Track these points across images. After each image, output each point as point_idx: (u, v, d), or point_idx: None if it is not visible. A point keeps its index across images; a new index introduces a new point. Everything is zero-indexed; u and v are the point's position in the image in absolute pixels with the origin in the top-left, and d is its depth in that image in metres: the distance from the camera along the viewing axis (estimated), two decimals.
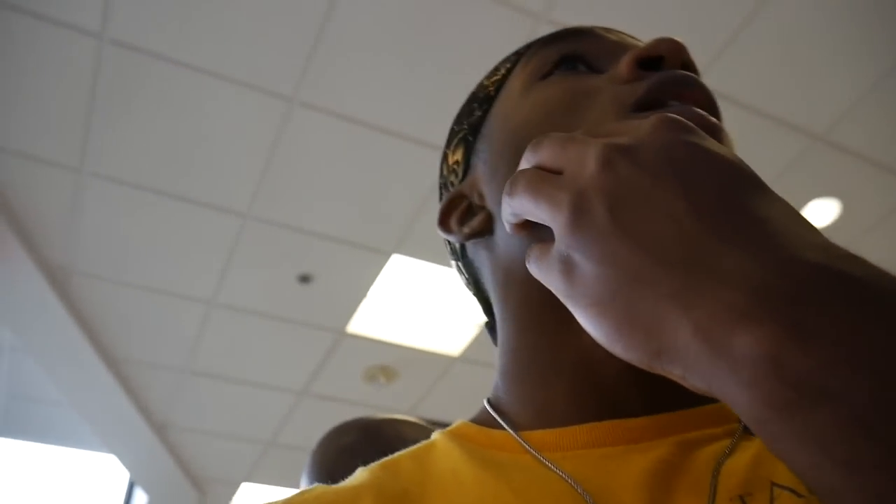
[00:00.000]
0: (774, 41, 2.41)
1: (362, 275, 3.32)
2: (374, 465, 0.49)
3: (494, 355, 0.54)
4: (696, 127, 0.35)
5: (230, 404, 4.15)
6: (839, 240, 0.29)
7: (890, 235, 3.16)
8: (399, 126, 2.62)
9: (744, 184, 0.32)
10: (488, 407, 0.51)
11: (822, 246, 0.28)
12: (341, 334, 3.68)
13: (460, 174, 0.57)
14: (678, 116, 0.35)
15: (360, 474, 0.48)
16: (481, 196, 0.53)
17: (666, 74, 0.46)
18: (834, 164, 2.84)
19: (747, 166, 0.33)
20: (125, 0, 2.17)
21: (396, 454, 0.50)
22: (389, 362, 3.92)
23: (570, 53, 0.52)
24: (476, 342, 3.75)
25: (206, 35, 2.28)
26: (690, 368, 0.28)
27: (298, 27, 2.27)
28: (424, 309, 3.57)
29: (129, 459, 4.43)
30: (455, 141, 0.58)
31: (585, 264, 0.32)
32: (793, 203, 0.33)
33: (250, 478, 4.84)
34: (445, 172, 0.60)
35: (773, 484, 0.38)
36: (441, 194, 0.61)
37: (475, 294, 0.59)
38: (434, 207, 2.92)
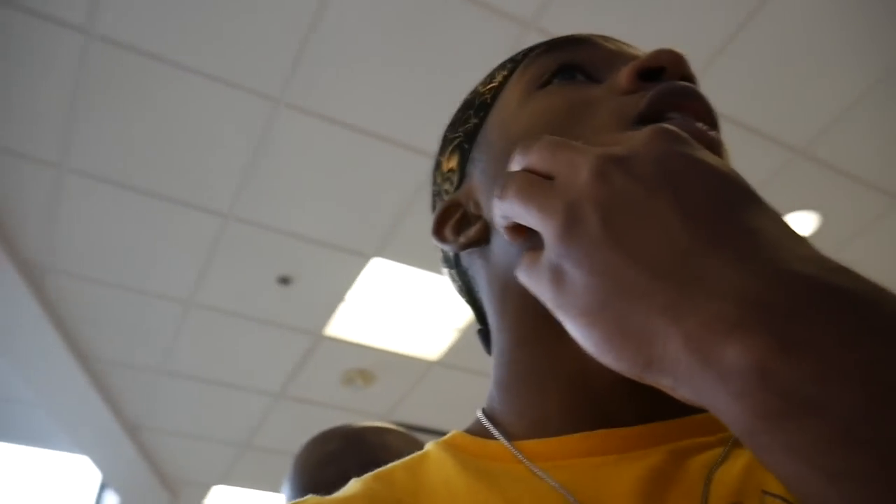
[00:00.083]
0: (758, 56, 2.44)
1: (342, 277, 3.31)
2: (367, 476, 0.48)
3: (486, 363, 0.54)
4: (690, 139, 0.35)
5: (205, 406, 4.11)
6: None
7: (867, 249, 3.20)
8: (384, 130, 2.61)
9: (737, 196, 0.32)
10: (482, 417, 0.51)
11: (814, 258, 0.28)
12: (319, 337, 3.66)
13: (455, 182, 0.56)
14: (673, 128, 0.35)
15: (353, 485, 0.48)
16: (478, 205, 0.53)
17: (666, 86, 0.46)
18: (814, 178, 2.88)
19: (742, 178, 0.33)
20: None
21: (390, 465, 0.50)
22: (367, 366, 3.91)
23: (569, 62, 0.52)
24: (454, 347, 3.75)
25: (193, 33, 2.26)
26: (680, 379, 0.28)
27: (287, 28, 2.26)
28: (403, 313, 3.56)
29: (101, 460, 4.37)
30: (450, 148, 0.58)
31: (576, 274, 0.32)
32: None
33: (224, 480, 4.80)
34: (439, 180, 0.59)
35: (765, 492, 0.39)
36: (434, 202, 0.60)
37: (468, 302, 0.59)
38: (416, 211, 2.92)
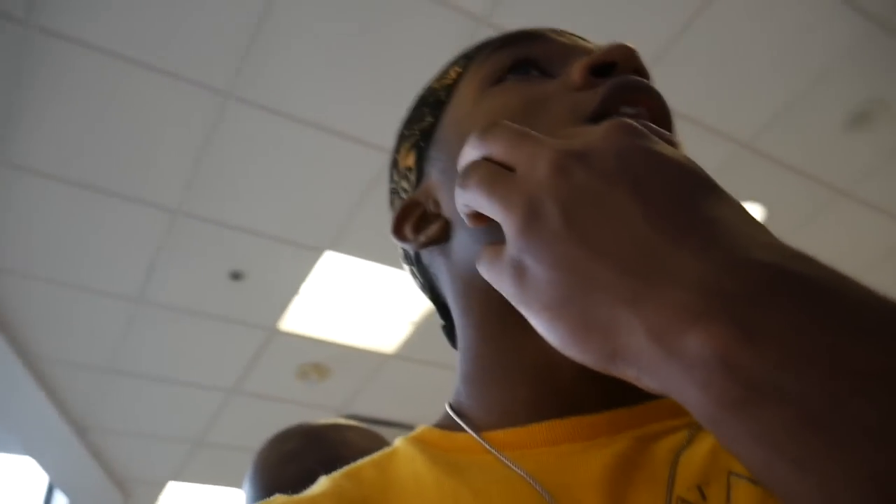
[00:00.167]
0: (704, 53, 2.49)
1: (295, 272, 3.28)
2: (336, 473, 0.49)
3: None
4: (648, 132, 0.35)
5: (156, 404, 4.05)
6: None
7: (811, 241, 3.29)
8: (334, 123, 2.59)
9: (696, 186, 0.32)
10: (450, 411, 0.51)
11: (774, 245, 0.29)
12: (273, 332, 3.63)
13: (413, 181, 0.56)
14: (632, 121, 0.35)
15: (322, 483, 0.48)
16: (437, 204, 0.53)
17: (619, 81, 0.46)
18: (758, 171, 2.95)
19: (700, 169, 0.33)
20: None
21: (359, 462, 0.50)
22: (322, 360, 3.89)
23: (523, 58, 0.52)
24: (409, 340, 3.75)
25: (139, 24, 2.20)
26: (644, 370, 0.28)
27: (236, 20, 2.22)
28: (358, 306, 3.55)
29: (48, 462, 4.27)
30: (406, 146, 0.58)
31: (538, 269, 0.32)
32: None
33: (178, 477, 4.73)
34: (396, 178, 0.59)
35: (731, 473, 0.39)
36: (392, 200, 0.60)
37: (431, 299, 0.59)
38: (368, 205, 2.91)
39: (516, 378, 0.48)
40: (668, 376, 0.27)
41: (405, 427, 4.38)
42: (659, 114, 0.46)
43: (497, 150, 0.37)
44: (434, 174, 0.54)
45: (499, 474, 0.43)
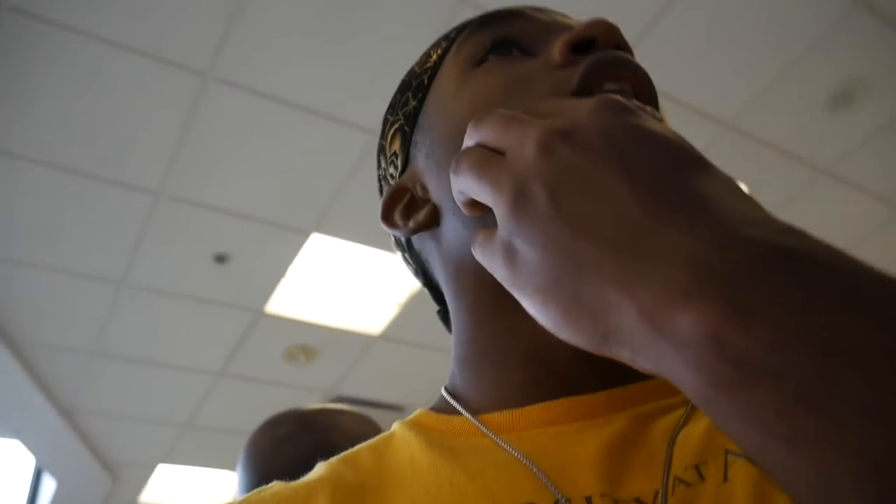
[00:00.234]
0: (687, 32, 2.49)
1: (281, 254, 3.27)
2: (333, 459, 0.49)
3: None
4: (636, 108, 0.34)
5: (143, 387, 4.04)
6: None
7: (793, 220, 3.27)
8: (317, 104, 2.58)
9: (685, 162, 0.31)
10: (446, 394, 0.51)
11: (765, 220, 0.28)
12: (259, 314, 3.63)
13: (399, 166, 0.56)
14: (618, 97, 0.35)
15: (319, 468, 0.48)
16: (425, 189, 0.53)
17: (598, 57, 0.45)
18: (741, 151, 2.96)
19: (688, 144, 0.33)
20: None
21: (357, 447, 0.50)
22: (309, 342, 3.89)
23: (503, 37, 0.52)
24: (396, 321, 3.76)
25: (116, 5, 2.17)
26: (638, 351, 0.28)
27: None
28: (345, 288, 3.55)
29: (34, 445, 4.26)
30: (391, 132, 0.57)
31: (528, 251, 0.32)
32: None
33: (166, 460, 4.73)
34: (384, 164, 0.58)
35: (728, 451, 0.39)
36: (381, 185, 0.60)
37: (425, 284, 0.58)
38: (353, 187, 2.90)
39: (511, 360, 0.48)
40: (659, 357, 0.27)
41: (393, 408, 4.41)
42: (642, 89, 0.45)
43: (488, 135, 0.37)
44: (420, 159, 0.53)
45: (495, 457, 0.43)
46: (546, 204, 0.32)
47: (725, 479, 0.38)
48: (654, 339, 0.27)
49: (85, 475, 4.53)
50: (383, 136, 0.59)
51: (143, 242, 3.09)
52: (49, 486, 4.60)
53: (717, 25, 2.48)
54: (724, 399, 0.25)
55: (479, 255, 0.37)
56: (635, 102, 0.42)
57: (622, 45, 0.48)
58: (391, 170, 0.57)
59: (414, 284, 3.47)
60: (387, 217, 0.54)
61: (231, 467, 4.83)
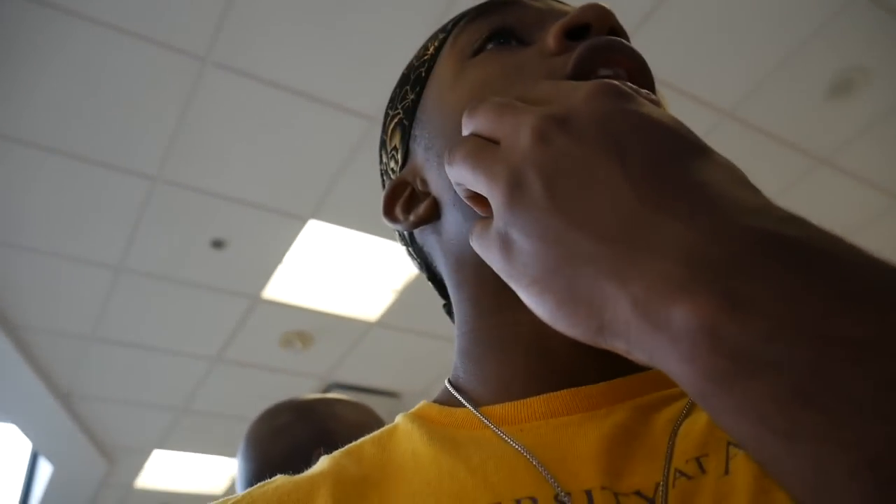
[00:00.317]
0: (687, 19, 2.47)
1: (278, 240, 3.27)
2: (337, 452, 0.49)
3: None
4: (633, 93, 0.34)
5: (139, 372, 4.04)
6: None
7: (791, 209, 3.32)
8: (316, 89, 2.57)
9: (683, 149, 0.31)
10: (449, 386, 0.51)
11: (764, 208, 0.27)
12: (256, 300, 3.63)
13: (400, 160, 0.55)
14: (615, 82, 0.34)
15: (323, 462, 0.48)
16: (424, 182, 0.52)
17: (592, 42, 0.45)
18: (740, 139, 2.95)
19: (687, 130, 0.32)
20: None
21: (361, 439, 0.50)
22: (306, 328, 3.90)
23: (499, 27, 0.51)
24: (393, 307, 3.76)
25: None
26: (633, 343, 0.28)
27: None
28: (342, 274, 3.55)
29: (31, 429, 4.27)
30: (391, 126, 0.57)
31: (523, 242, 0.32)
32: None
33: (163, 445, 4.75)
34: (385, 158, 0.58)
35: (730, 444, 0.39)
36: (383, 180, 0.59)
37: (429, 278, 0.58)
38: (351, 173, 2.90)
39: (512, 351, 0.48)
40: (655, 349, 0.27)
41: (388, 394, 4.42)
42: (638, 74, 0.44)
43: (481, 124, 0.36)
44: (419, 152, 0.53)
45: (496, 450, 0.43)
46: (541, 194, 0.31)
47: (727, 471, 0.38)
48: (649, 332, 0.27)
49: (81, 460, 4.55)
50: (384, 130, 0.59)
51: (141, 227, 3.08)
52: (45, 470, 4.62)
53: (716, 13, 2.47)
54: (719, 392, 0.24)
55: (477, 246, 0.37)
56: (632, 86, 0.41)
57: (617, 30, 0.47)
58: (392, 164, 0.57)
59: (410, 271, 3.47)
60: (388, 212, 0.54)
61: (226, 453, 4.85)
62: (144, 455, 4.84)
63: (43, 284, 3.34)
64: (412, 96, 0.55)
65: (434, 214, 0.51)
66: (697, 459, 0.39)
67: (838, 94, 2.84)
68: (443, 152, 0.49)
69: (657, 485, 0.39)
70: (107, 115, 2.56)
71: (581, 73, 0.44)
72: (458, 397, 0.49)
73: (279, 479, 0.47)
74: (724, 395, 0.24)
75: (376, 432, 0.50)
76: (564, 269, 0.30)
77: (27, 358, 3.73)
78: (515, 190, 0.32)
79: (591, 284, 0.29)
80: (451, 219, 0.50)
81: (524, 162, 0.32)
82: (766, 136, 2.97)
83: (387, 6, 2.30)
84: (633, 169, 0.30)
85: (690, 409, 0.42)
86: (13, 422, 4.20)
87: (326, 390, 4.36)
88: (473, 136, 0.37)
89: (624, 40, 0.46)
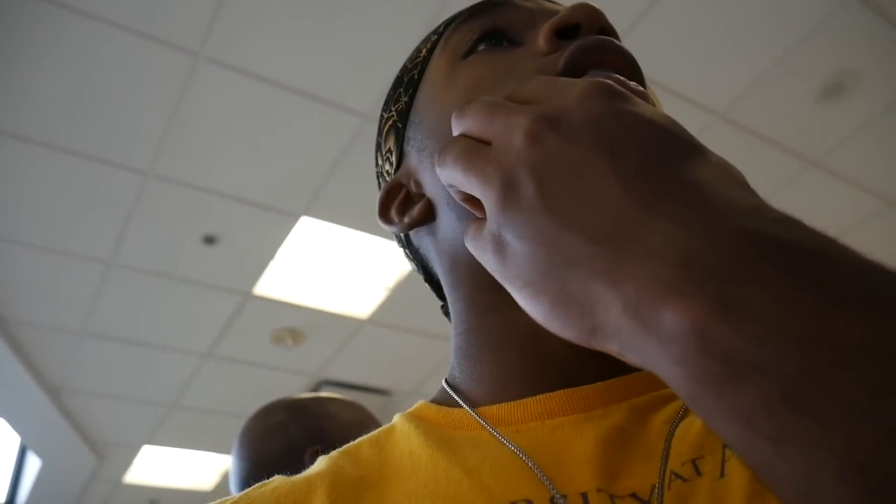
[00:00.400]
0: (679, 20, 2.48)
1: (270, 236, 3.26)
2: (334, 452, 0.48)
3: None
4: (626, 92, 0.33)
5: (130, 367, 4.03)
6: None
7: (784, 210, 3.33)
8: (309, 86, 2.56)
9: (676, 148, 0.31)
10: (446, 386, 0.51)
11: (757, 209, 0.27)
12: (248, 296, 3.62)
13: (394, 162, 0.55)
14: (608, 81, 0.34)
15: (320, 462, 0.48)
16: (419, 184, 0.52)
17: (583, 41, 0.45)
18: (731, 141, 2.97)
19: (681, 129, 0.32)
20: None
21: (359, 439, 0.50)
22: (297, 324, 3.89)
23: (490, 28, 0.51)
24: (384, 305, 3.76)
25: None
26: (624, 345, 0.28)
27: None
28: (333, 271, 3.55)
29: (20, 423, 4.25)
30: (386, 128, 0.57)
31: (517, 243, 0.32)
32: None
33: (152, 440, 4.73)
34: (380, 161, 0.58)
35: (725, 446, 0.38)
36: (378, 183, 0.59)
37: (426, 280, 0.58)
38: (344, 171, 2.89)
39: (508, 351, 0.48)
40: (646, 352, 0.27)
41: (379, 392, 4.42)
42: (629, 73, 0.44)
43: (471, 125, 0.36)
44: (413, 154, 0.53)
45: (492, 451, 0.43)
46: (534, 195, 0.31)
47: (722, 474, 0.37)
48: (640, 334, 0.27)
49: (70, 454, 4.53)
50: (379, 132, 0.59)
51: (133, 222, 3.07)
52: (34, 464, 4.59)
53: (709, 16, 2.48)
54: (710, 396, 0.24)
55: (471, 247, 0.37)
56: (622, 79, 0.41)
57: (607, 29, 0.47)
58: (387, 166, 0.57)
59: (402, 269, 3.47)
60: (383, 214, 0.54)
61: (216, 449, 4.84)
62: (134, 450, 4.82)
63: (33, 278, 3.33)
64: (405, 98, 0.55)
65: (429, 216, 0.51)
66: (693, 461, 0.39)
67: (829, 96, 2.85)
68: (435, 154, 0.50)
69: (653, 487, 0.39)
70: (99, 109, 2.55)
71: (572, 72, 0.44)
72: (455, 397, 0.49)
73: (276, 479, 0.47)
74: (715, 399, 0.24)
75: (374, 432, 0.50)
76: (558, 270, 0.30)
77: (17, 352, 3.72)
78: (508, 191, 0.32)
79: (584, 286, 0.29)
80: (446, 220, 0.50)
81: (517, 163, 0.32)
82: (758, 138, 2.98)
83: (381, 4, 2.30)
84: (625, 169, 0.30)
85: (687, 411, 0.42)
86: (2, 416, 4.18)
87: (317, 387, 4.36)
88: (463, 136, 0.37)
89: (614, 39, 0.46)
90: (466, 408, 0.47)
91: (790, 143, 3.03)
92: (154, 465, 5.01)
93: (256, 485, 0.47)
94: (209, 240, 3.23)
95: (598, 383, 0.44)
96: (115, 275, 3.36)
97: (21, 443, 4.63)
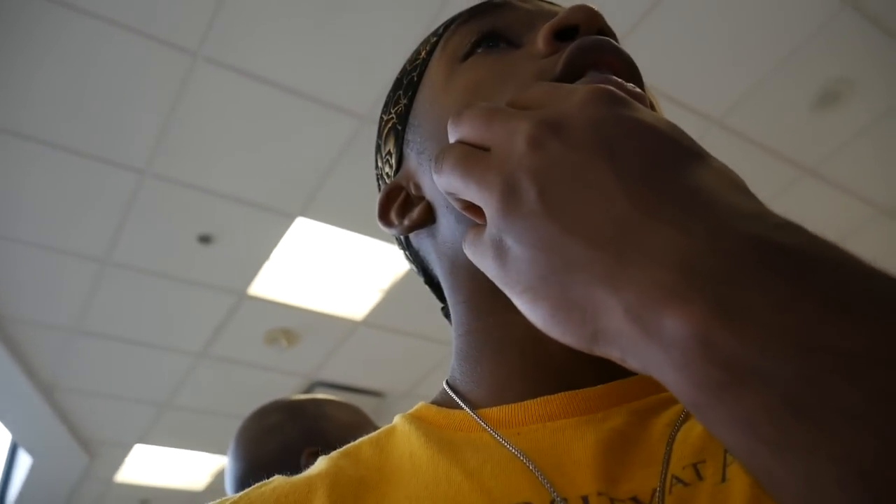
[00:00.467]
0: (676, 28, 2.49)
1: (266, 237, 3.26)
2: (335, 452, 0.48)
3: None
4: (628, 98, 0.33)
5: (123, 366, 4.02)
6: None
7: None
8: (308, 87, 2.56)
9: (678, 154, 0.31)
10: (447, 388, 0.51)
11: (759, 215, 0.27)
12: (242, 296, 3.61)
13: (394, 165, 0.55)
14: (610, 87, 0.34)
15: (320, 463, 0.48)
16: (418, 187, 0.52)
17: (579, 44, 0.45)
18: (727, 148, 2.98)
19: (683, 134, 0.32)
20: None
21: (359, 440, 0.50)
22: (291, 325, 3.88)
23: (489, 30, 0.51)
24: (379, 307, 3.76)
25: None
26: (626, 351, 0.28)
27: None
28: (328, 273, 3.55)
29: (11, 420, 4.23)
30: (385, 130, 0.57)
31: (517, 248, 0.32)
32: None
33: (145, 440, 4.72)
34: (380, 163, 0.58)
35: (727, 450, 0.38)
36: (378, 185, 0.60)
37: (426, 282, 0.58)
38: (340, 172, 2.89)
39: (508, 353, 0.48)
40: (648, 357, 0.27)
41: (373, 394, 4.41)
42: (627, 74, 0.44)
43: (468, 131, 0.36)
44: (413, 157, 0.53)
45: (493, 453, 0.43)
46: (535, 201, 0.31)
47: (723, 479, 0.37)
48: (641, 340, 0.27)
49: (61, 453, 4.51)
50: (379, 135, 0.59)
51: (128, 221, 3.06)
52: (24, 462, 4.57)
53: (706, 22, 2.49)
54: (711, 402, 0.24)
55: (470, 253, 0.37)
56: (620, 81, 0.41)
57: (605, 31, 0.48)
58: (387, 169, 0.57)
59: (397, 271, 3.47)
60: (383, 216, 0.54)
61: (208, 449, 4.83)
62: (126, 449, 4.80)
63: (28, 276, 3.32)
64: (405, 101, 0.55)
65: (428, 218, 0.51)
66: (694, 466, 0.39)
67: (825, 104, 2.87)
68: (432, 158, 0.50)
69: (654, 491, 0.39)
70: (96, 107, 2.55)
71: (570, 73, 0.44)
72: (456, 399, 0.49)
73: (276, 479, 0.47)
74: (716, 405, 0.24)
75: (375, 433, 0.50)
76: (558, 276, 0.30)
77: (10, 349, 3.70)
78: (510, 197, 0.32)
79: (585, 291, 0.29)
80: (446, 222, 0.50)
81: (518, 168, 0.32)
82: (754, 146, 2.99)
83: (380, 5, 2.30)
84: (627, 174, 0.30)
85: (688, 415, 0.42)
86: None
87: (310, 389, 4.35)
88: (460, 143, 0.37)
89: (612, 41, 0.46)
90: (467, 409, 0.47)
91: (786, 150, 3.04)
92: (146, 465, 5.00)
93: (256, 485, 0.47)
94: (204, 239, 3.22)
95: (598, 386, 0.45)
96: (109, 273, 3.35)
97: (12, 440, 4.61)
